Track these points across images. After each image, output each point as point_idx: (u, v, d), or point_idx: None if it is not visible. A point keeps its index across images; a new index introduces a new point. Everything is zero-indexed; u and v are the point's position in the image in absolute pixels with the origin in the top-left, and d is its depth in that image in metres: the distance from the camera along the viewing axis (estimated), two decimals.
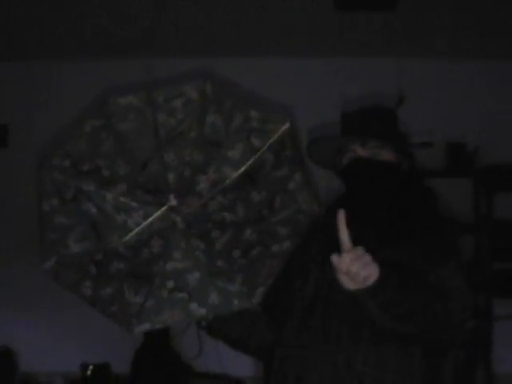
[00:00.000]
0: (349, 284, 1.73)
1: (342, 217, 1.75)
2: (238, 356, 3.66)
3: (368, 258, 1.72)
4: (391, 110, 2.10)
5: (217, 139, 1.80)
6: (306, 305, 1.99)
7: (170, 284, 1.82)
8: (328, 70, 4.41)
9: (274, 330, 2.08)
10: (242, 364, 4.02)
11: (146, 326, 1.82)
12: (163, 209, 1.79)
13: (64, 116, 4.47)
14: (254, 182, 1.83)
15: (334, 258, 1.71)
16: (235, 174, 1.79)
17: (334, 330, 1.92)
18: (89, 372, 4.13)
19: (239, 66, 4.31)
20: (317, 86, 4.38)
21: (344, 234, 1.74)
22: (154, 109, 1.79)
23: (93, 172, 1.80)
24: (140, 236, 1.80)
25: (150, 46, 4.33)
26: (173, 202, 1.78)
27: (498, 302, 4.14)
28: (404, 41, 4.15)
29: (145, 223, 1.79)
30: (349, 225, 2.00)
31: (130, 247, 1.81)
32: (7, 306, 4.38)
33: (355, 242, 1.98)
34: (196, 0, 3.74)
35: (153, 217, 1.79)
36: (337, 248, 1.98)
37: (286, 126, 1.81)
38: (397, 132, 2.09)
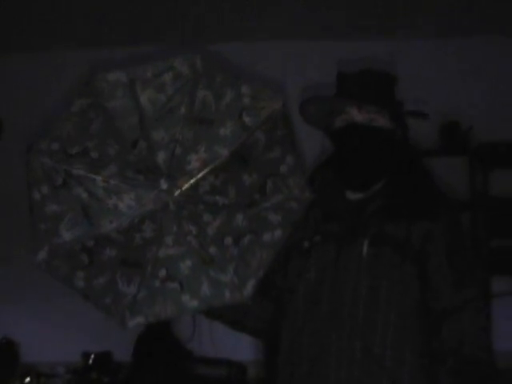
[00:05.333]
0: None
1: None
2: (238, 340, 3.68)
3: None
4: (390, 75, 2.05)
5: (207, 116, 1.76)
6: (311, 288, 1.98)
7: (162, 273, 1.81)
8: (321, 53, 4.40)
9: (269, 311, 2.08)
10: (242, 348, 4.04)
11: (140, 320, 1.82)
12: (155, 191, 1.76)
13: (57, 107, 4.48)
14: (246, 164, 1.81)
15: None
16: (227, 153, 1.76)
17: (346, 313, 1.91)
18: (90, 361, 4.14)
19: (235, 51, 4.28)
20: (310, 68, 4.37)
21: None
22: (142, 84, 1.75)
23: (82, 154, 1.76)
24: (132, 219, 1.78)
25: (138, 34, 4.30)
26: (163, 185, 1.76)
27: (495, 279, 4.15)
28: (397, 19, 4.12)
29: (137, 206, 1.77)
30: (337, 190, 2.03)
31: (122, 232, 1.78)
32: (7, 297, 4.37)
33: (346, 209, 2.01)
34: None
35: (144, 199, 1.76)
36: (338, 226, 1.99)
37: (279, 103, 1.78)
38: (394, 98, 2.05)
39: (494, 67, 4.40)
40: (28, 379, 4.07)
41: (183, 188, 1.77)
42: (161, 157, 1.76)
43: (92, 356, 4.15)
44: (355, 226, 1.97)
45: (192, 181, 1.77)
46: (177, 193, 1.77)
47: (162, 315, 1.82)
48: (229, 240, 1.83)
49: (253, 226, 1.84)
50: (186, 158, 1.76)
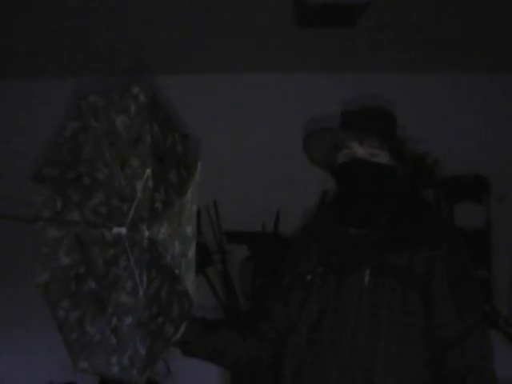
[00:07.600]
0: None
1: None
2: (204, 373, 3.67)
3: None
4: (391, 113, 2.09)
5: (161, 153, 1.76)
6: (313, 319, 2.00)
7: (114, 321, 1.77)
8: (289, 87, 4.44)
9: (252, 347, 2.08)
10: (208, 380, 4.04)
11: (85, 366, 1.77)
12: (132, 230, 1.74)
13: (40, 136, 4.45)
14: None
15: None
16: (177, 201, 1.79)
17: (347, 342, 1.93)
18: None
19: (201, 83, 4.34)
20: (278, 102, 4.41)
21: None
22: (115, 109, 1.75)
23: (76, 180, 1.77)
24: (115, 251, 1.76)
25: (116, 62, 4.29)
26: (122, 231, 1.75)
27: None
28: (365, 56, 4.15)
29: (122, 237, 1.74)
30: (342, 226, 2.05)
31: (105, 264, 1.77)
32: None
33: (347, 243, 2.03)
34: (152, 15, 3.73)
35: (125, 230, 1.74)
36: (339, 258, 2.02)
37: (198, 170, 1.80)
38: (396, 135, 2.08)
39: (457, 100, 4.48)
40: None
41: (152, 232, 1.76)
42: (139, 186, 1.74)
43: None
44: (356, 257, 2.00)
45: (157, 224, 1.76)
46: (147, 234, 1.75)
47: (96, 368, 1.77)
48: (164, 291, 1.79)
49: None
50: (155, 195, 1.74)
